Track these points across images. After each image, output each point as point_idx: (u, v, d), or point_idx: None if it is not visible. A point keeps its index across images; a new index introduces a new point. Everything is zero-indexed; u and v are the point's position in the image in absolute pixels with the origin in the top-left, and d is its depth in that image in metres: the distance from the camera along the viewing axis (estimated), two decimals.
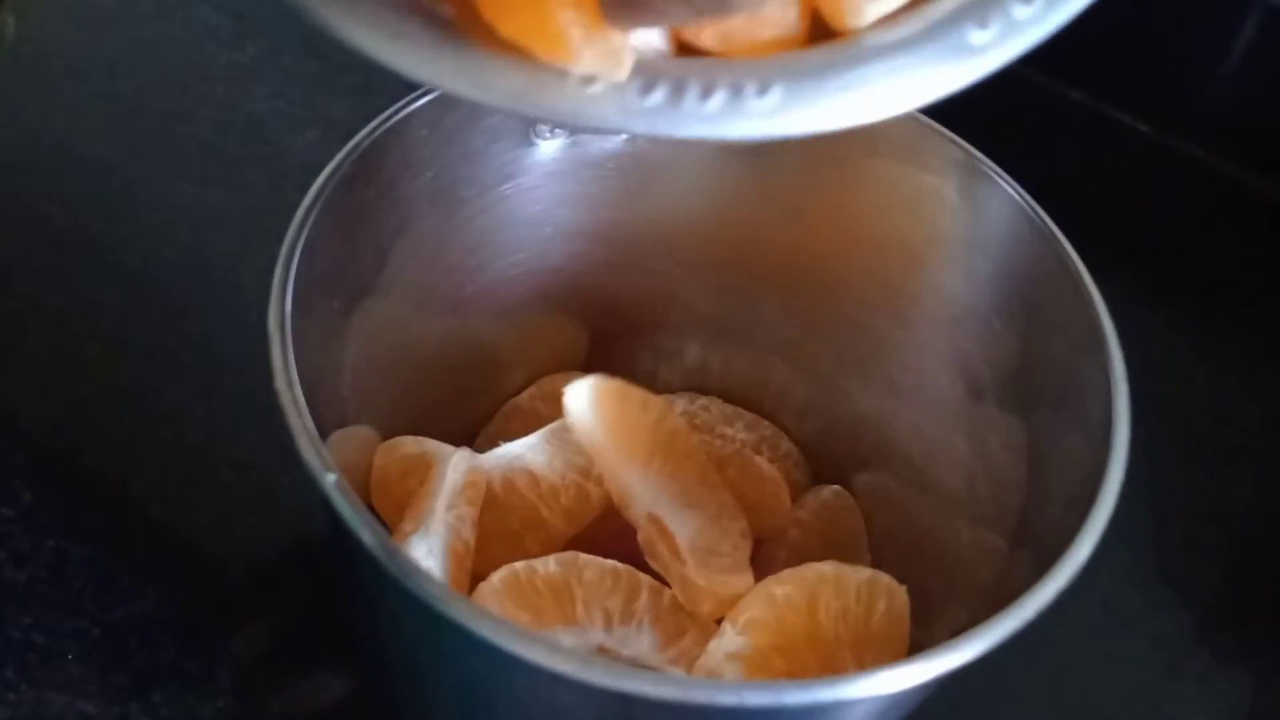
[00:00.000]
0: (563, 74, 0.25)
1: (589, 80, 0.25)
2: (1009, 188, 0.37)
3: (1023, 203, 0.37)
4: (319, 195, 0.34)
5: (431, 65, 0.25)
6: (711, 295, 0.44)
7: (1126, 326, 0.34)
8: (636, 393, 0.38)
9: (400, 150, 0.36)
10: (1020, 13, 0.25)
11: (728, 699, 0.27)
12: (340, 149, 0.35)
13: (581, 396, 0.36)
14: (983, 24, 0.25)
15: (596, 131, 0.27)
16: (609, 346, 0.45)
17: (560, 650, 0.27)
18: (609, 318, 0.44)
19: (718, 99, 0.25)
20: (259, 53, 0.59)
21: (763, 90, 0.25)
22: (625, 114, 0.25)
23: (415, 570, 0.28)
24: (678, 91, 0.25)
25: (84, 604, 0.41)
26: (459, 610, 0.27)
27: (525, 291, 0.42)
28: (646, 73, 0.25)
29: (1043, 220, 0.36)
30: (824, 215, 0.41)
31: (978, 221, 0.38)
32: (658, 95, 0.25)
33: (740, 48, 0.26)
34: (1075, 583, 0.30)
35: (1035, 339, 0.37)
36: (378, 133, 0.35)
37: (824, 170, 0.40)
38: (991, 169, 0.37)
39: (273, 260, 0.32)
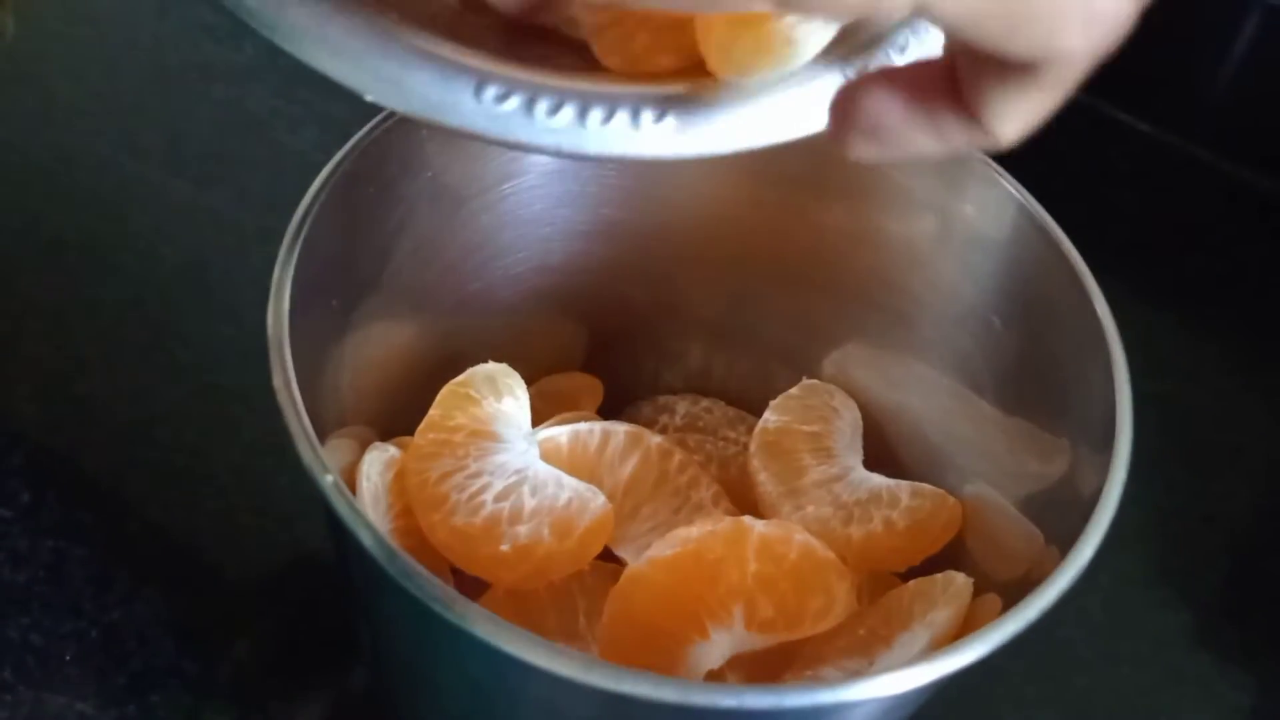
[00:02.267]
0: (479, 91, 0.26)
1: (502, 98, 0.26)
2: (1010, 187, 0.37)
3: (1024, 202, 0.37)
4: (318, 195, 0.34)
5: (354, 71, 0.27)
6: (713, 296, 0.44)
7: (1128, 326, 0.34)
8: (594, 430, 0.38)
9: (400, 149, 0.36)
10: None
11: (727, 701, 0.27)
12: (340, 148, 0.35)
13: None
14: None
15: (506, 146, 0.29)
16: (609, 347, 0.45)
17: (561, 653, 0.27)
18: (609, 318, 0.44)
19: (619, 119, 0.27)
20: (257, 51, 0.59)
21: (659, 117, 0.27)
22: (533, 131, 0.26)
23: (416, 571, 0.27)
24: (583, 112, 0.27)
25: (82, 605, 0.41)
26: (459, 612, 0.27)
27: (525, 291, 0.42)
28: (550, 94, 0.27)
29: (1044, 220, 0.36)
30: (825, 215, 0.41)
31: (979, 221, 0.38)
32: (565, 115, 0.27)
33: (641, 72, 0.28)
34: (1077, 584, 0.30)
35: (1037, 338, 0.37)
36: (377, 132, 0.35)
37: (824, 170, 0.40)
38: (993, 168, 0.37)
39: (272, 260, 0.32)
